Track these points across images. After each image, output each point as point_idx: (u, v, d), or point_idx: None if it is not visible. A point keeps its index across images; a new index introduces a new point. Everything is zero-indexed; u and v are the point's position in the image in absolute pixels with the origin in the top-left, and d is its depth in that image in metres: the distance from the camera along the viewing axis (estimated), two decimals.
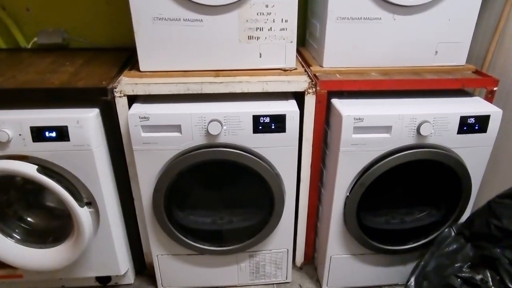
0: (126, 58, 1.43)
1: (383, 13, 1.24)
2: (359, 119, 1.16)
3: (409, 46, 1.30)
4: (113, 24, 1.54)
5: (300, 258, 1.56)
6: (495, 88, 1.28)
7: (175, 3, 1.15)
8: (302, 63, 1.40)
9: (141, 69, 1.24)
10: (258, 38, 1.23)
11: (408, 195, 1.42)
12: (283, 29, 1.23)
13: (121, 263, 1.39)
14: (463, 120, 1.18)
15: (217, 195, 1.41)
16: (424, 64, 1.34)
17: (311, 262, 1.60)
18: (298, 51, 1.44)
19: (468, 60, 1.36)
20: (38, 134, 1.13)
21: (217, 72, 1.26)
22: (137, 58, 1.24)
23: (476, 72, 1.34)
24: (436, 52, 1.32)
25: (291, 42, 1.25)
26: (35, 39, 1.52)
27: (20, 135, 1.12)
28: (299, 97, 1.26)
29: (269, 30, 1.22)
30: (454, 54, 1.33)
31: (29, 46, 1.53)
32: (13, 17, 1.51)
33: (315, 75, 1.27)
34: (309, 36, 1.51)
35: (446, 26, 1.28)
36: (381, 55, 1.31)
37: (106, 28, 1.55)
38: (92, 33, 1.56)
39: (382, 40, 1.28)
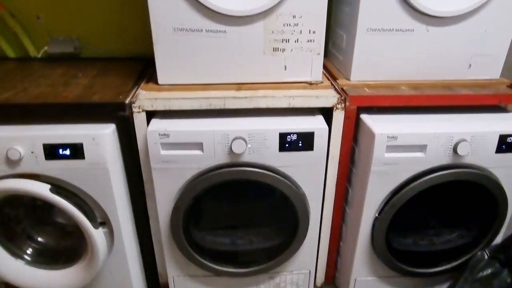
0: (141, 68, 1.36)
1: (416, 24, 1.17)
2: (393, 137, 1.09)
3: (442, 59, 1.23)
4: (128, 32, 1.47)
5: (320, 279, 1.49)
6: None
7: (198, 13, 1.08)
8: (327, 75, 1.34)
9: (159, 82, 1.17)
10: (283, 50, 1.16)
11: (438, 215, 1.35)
12: (310, 40, 1.16)
13: (135, 285, 1.32)
14: (502, 138, 1.11)
15: (237, 214, 1.34)
16: (457, 78, 1.27)
17: (331, 282, 1.53)
18: None
19: (502, 74, 1.29)
20: (51, 151, 1.06)
21: (239, 85, 1.19)
22: (154, 69, 1.18)
23: (511, 86, 1.27)
24: (470, 65, 1.25)
25: (318, 54, 1.18)
26: (46, 48, 1.45)
27: (32, 152, 1.06)
28: (325, 111, 1.19)
29: (295, 41, 1.15)
30: (488, 67, 1.26)
31: (39, 56, 1.46)
32: (23, 25, 1.44)
33: (343, 89, 1.20)
34: (333, 46, 1.44)
35: (481, 38, 1.21)
36: (412, 68, 1.24)
37: (119, 37, 1.49)
38: (105, 41, 1.49)
39: (413, 53, 1.21)
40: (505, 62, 1.29)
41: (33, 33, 1.46)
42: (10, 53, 1.48)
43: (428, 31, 1.18)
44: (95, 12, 1.45)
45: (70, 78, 1.27)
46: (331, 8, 1.44)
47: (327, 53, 1.51)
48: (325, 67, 1.41)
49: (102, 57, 1.49)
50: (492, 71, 1.27)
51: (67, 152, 1.06)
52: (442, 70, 1.25)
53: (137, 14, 1.44)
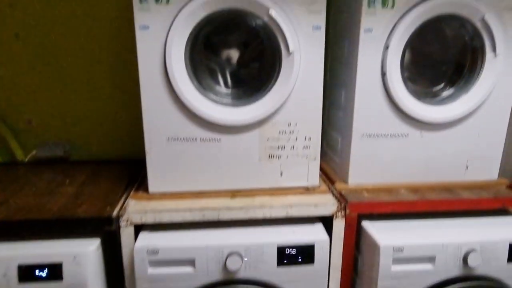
0: (133, 172, 1.32)
1: (410, 129, 1.17)
2: (399, 249, 1.02)
3: (439, 162, 1.22)
4: (119, 135, 1.46)
5: None
6: None
7: (193, 123, 1.07)
8: (324, 177, 1.30)
9: (150, 190, 1.12)
10: (279, 156, 1.14)
11: None
12: (306, 147, 1.14)
13: None
14: None
15: None
16: (455, 179, 1.24)
17: None
18: None
19: (501, 174, 1.27)
20: (26, 273, 0.96)
21: (234, 193, 1.14)
22: (145, 172, 1.13)
23: (511, 186, 1.25)
24: (467, 167, 1.24)
25: (315, 159, 1.16)
26: (34, 152, 1.41)
27: (4, 275, 0.95)
28: (324, 218, 1.13)
29: (291, 148, 1.14)
30: (486, 168, 1.25)
31: (27, 160, 1.42)
32: (13, 129, 1.42)
33: (341, 194, 1.16)
34: (327, 147, 1.44)
35: (475, 141, 1.21)
36: (410, 170, 1.22)
37: (111, 139, 1.47)
38: (96, 144, 1.47)
39: (410, 156, 1.20)
40: (504, 163, 1.29)
41: (23, 137, 1.43)
42: None
43: (422, 136, 1.19)
44: (87, 114, 1.44)
45: (57, 186, 1.21)
46: (324, 111, 1.47)
47: (322, 154, 1.50)
48: (321, 167, 1.39)
49: (92, 160, 1.45)
50: (489, 172, 1.26)
51: (44, 273, 0.96)
52: (440, 172, 1.23)
53: (130, 117, 1.44)
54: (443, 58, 1.25)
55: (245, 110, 1.09)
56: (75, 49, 1.37)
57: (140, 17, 0.99)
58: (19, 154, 1.42)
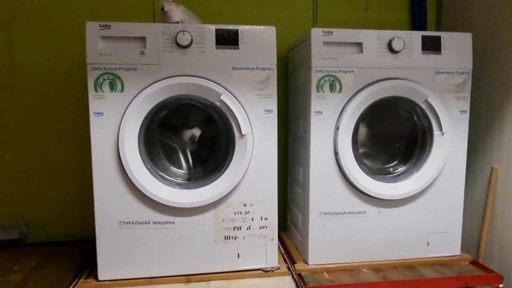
0: (88, 254, 1.26)
1: (367, 207, 1.18)
2: None
3: (399, 239, 1.21)
4: (80, 214, 1.42)
5: None
6: (500, 286, 1.15)
7: (146, 206, 1.06)
8: (285, 255, 1.27)
9: (99, 278, 1.07)
10: (235, 237, 1.12)
11: None
12: (263, 227, 1.13)
13: None
14: None
15: None
16: (417, 256, 1.23)
17: None
18: (279, 237, 1.32)
19: (464, 249, 1.26)
20: None
21: (188, 277, 1.10)
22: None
23: (473, 262, 1.23)
24: (428, 243, 1.23)
25: (272, 240, 1.14)
26: None
27: None
28: None
29: (247, 229, 1.12)
30: (447, 244, 1.24)
31: None
32: None
33: (300, 275, 1.13)
34: (291, 222, 1.42)
35: (433, 217, 1.22)
36: (371, 249, 1.20)
37: (71, 219, 1.43)
38: (55, 224, 1.43)
39: (369, 234, 1.19)
40: (466, 238, 1.28)
41: None
42: None
43: (380, 212, 1.19)
44: (48, 194, 1.42)
45: (5, 272, 1.15)
46: (287, 187, 1.48)
47: (286, 228, 1.48)
48: (284, 244, 1.36)
49: (48, 242, 1.40)
50: (451, 247, 1.25)
51: None
52: (401, 250, 1.22)
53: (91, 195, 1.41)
54: (395, 135, 1.30)
55: (200, 192, 1.08)
56: (34, 123, 1.39)
57: (94, 105, 1.02)
58: None
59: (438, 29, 1.57)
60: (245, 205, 1.11)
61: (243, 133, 1.06)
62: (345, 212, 1.17)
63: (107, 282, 1.07)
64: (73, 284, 1.08)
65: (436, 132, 1.18)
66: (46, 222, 1.42)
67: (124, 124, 1.02)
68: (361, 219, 1.18)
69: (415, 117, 1.24)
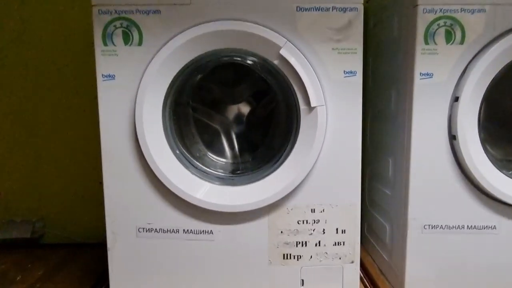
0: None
1: (498, 219, 0.78)
2: None
3: None
4: (99, 212, 1.16)
5: None
6: None
7: (173, 208, 0.76)
8: (365, 280, 0.91)
9: None
10: (299, 257, 0.78)
11: None
12: (339, 243, 0.78)
13: None
14: None
15: None
16: None
17: None
18: None
19: None
20: None
21: None
22: None
23: None
24: None
25: (352, 262, 0.79)
26: None
27: None
28: None
29: (316, 245, 0.78)
30: None
31: None
32: None
33: None
34: (370, 233, 1.05)
35: None
36: (499, 281, 0.80)
37: (92, 217, 1.18)
38: (74, 222, 1.18)
39: (499, 260, 0.80)
40: None
41: None
42: None
43: None
44: (67, 187, 1.17)
45: (3, 283, 0.91)
46: (364, 184, 1.10)
47: (362, 240, 1.12)
48: (360, 263, 1.00)
49: (66, 243, 1.15)
50: None
51: None
52: None
53: None
54: None
55: (249, 190, 0.76)
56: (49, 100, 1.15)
57: (103, 64, 0.73)
58: None
59: None
60: (313, 210, 0.77)
61: (312, 105, 0.71)
62: (463, 226, 0.79)
63: None
64: None
65: None
66: (64, 219, 1.18)
67: (142, 91, 0.72)
68: (487, 238, 0.79)
69: None
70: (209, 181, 0.76)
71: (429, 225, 0.78)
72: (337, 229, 0.77)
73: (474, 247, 0.79)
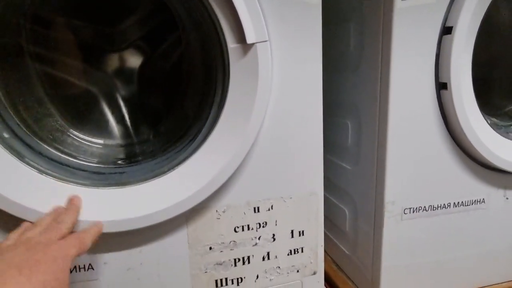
0: None
1: (488, 190, 0.61)
2: None
3: None
4: None
5: None
6: None
7: None
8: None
9: None
10: (240, 280, 0.51)
11: None
12: (296, 251, 0.53)
13: None
14: None
15: None
16: None
17: None
18: None
19: None
20: None
21: None
22: None
23: None
24: None
25: (314, 273, 0.55)
26: None
27: None
28: None
29: (264, 259, 0.51)
30: None
31: None
32: None
33: None
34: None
35: None
36: (493, 269, 0.65)
37: None
38: None
39: (490, 238, 0.63)
40: None
41: None
42: None
43: (507, 198, 0.62)
44: None
45: None
46: None
47: None
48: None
49: None
50: None
51: None
52: None
53: None
54: None
55: (149, 190, 0.45)
56: None
57: None
58: None
59: None
60: (257, 209, 0.50)
61: (248, 41, 0.42)
62: (449, 205, 0.59)
63: None
64: None
65: None
66: None
67: None
68: (477, 214, 0.61)
69: None
70: (72, 182, 0.43)
71: (411, 209, 0.58)
72: (292, 231, 0.52)
73: (460, 228, 0.61)
